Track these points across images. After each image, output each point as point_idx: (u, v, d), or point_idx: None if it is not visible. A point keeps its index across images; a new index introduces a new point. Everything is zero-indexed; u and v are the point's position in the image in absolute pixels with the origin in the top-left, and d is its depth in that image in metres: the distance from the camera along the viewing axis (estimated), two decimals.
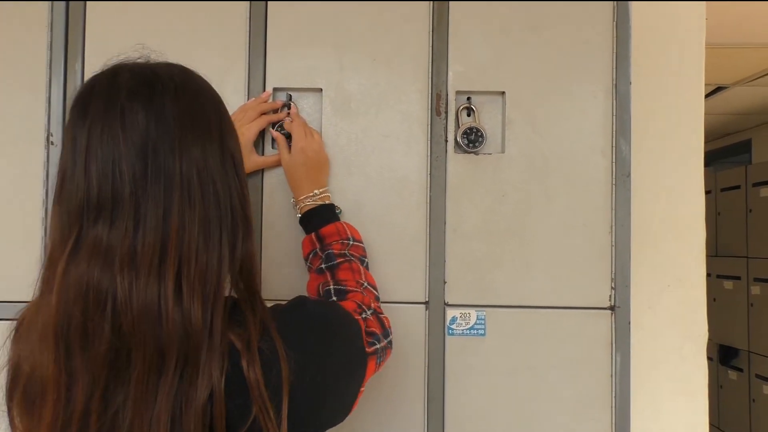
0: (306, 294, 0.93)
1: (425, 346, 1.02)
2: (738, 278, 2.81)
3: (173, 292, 0.56)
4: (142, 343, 0.55)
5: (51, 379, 0.56)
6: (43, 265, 0.59)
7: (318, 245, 0.92)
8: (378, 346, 0.76)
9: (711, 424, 2.96)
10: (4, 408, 0.62)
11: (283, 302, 0.69)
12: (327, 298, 0.84)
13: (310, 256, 0.93)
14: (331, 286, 0.85)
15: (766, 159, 3.22)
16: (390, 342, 0.81)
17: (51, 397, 0.56)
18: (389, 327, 0.82)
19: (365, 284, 0.87)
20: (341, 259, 0.89)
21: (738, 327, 2.80)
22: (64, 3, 1.05)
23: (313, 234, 0.93)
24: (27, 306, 0.63)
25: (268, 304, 0.66)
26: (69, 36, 1.05)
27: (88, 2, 1.05)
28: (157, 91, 0.60)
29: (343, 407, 0.69)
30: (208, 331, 0.57)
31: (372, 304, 0.83)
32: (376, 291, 0.89)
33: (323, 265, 0.89)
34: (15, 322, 0.64)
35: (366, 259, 0.95)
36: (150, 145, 0.58)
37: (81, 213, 0.57)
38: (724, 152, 3.55)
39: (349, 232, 0.93)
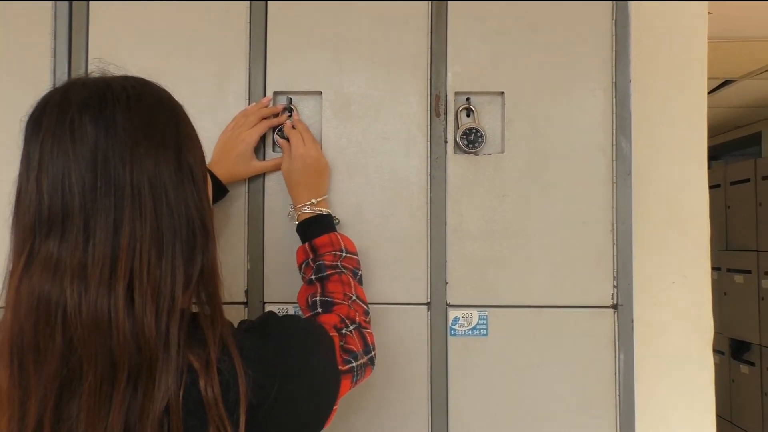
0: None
1: (428, 347, 1.02)
2: (749, 272, 2.79)
3: (124, 304, 0.55)
4: (93, 355, 0.55)
5: (5, 395, 0.56)
6: (3, 281, 0.59)
7: (311, 255, 0.92)
8: (354, 364, 0.74)
9: (723, 419, 2.94)
10: None
11: (273, 308, 0.68)
12: (313, 309, 0.83)
13: (303, 265, 0.93)
14: (318, 298, 0.84)
15: None
16: (371, 359, 0.80)
17: (6, 414, 0.56)
18: (372, 343, 0.81)
19: (354, 297, 0.85)
20: (331, 271, 0.88)
21: (749, 321, 2.78)
22: (67, 3, 1.05)
23: (306, 244, 0.93)
24: None
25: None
26: (72, 36, 1.06)
27: (91, 2, 1.05)
28: (108, 102, 0.59)
29: (313, 424, 0.67)
30: (164, 344, 0.57)
31: (357, 318, 0.82)
32: (366, 305, 0.88)
33: (313, 276, 0.88)
34: None
35: (360, 272, 0.93)
36: (99, 157, 0.57)
37: (33, 228, 0.57)
38: (734, 145, 3.51)
39: (342, 244, 0.92)
